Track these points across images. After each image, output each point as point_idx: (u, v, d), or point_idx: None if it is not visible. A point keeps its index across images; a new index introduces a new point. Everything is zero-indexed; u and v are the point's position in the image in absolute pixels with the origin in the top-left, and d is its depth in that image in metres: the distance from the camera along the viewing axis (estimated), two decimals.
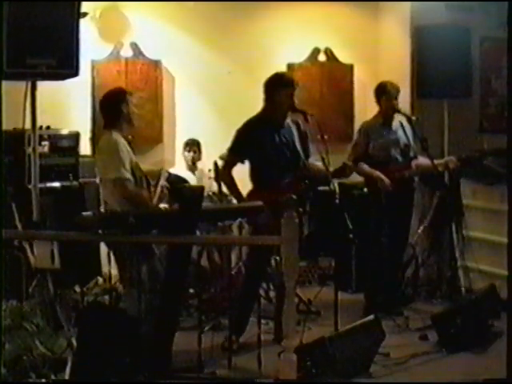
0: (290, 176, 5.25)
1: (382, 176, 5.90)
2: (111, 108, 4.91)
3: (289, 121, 5.37)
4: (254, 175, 5.32)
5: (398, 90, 6.04)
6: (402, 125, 6.10)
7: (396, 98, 6.02)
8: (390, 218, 5.94)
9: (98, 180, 5.33)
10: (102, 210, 5.00)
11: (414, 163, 6.09)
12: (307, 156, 5.39)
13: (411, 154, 6.10)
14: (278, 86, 5.27)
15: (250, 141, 5.25)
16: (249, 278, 5.41)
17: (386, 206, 5.89)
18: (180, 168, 6.91)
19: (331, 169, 5.06)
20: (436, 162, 5.99)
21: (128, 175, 4.71)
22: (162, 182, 5.09)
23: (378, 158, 6.00)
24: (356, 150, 6.05)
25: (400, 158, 6.06)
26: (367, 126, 6.12)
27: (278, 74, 5.51)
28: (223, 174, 5.44)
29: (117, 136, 4.82)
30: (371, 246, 5.97)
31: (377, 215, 5.97)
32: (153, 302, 4.56)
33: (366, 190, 6.21)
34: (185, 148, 6.92)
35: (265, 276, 5.52)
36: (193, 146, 6.89)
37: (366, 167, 5.96)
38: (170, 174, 5.56)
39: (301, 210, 5.06)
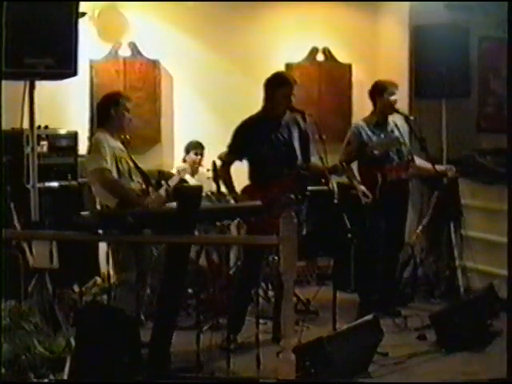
0: (285, 174, 5.25)
1: (366, 192, 5.81)
2: (100, 109, 5.19)
3: (288, 119, 5.37)
4: (251, 173, 5.34)
5: (395, 89, 6.02)
6: (396, 125, 6.07)
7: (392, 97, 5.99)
8: (385, 218, 5.92)
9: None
10: (98, 208, 5.06)
11: (412, 165, 6.05)
12: (308, 156, 5.38)
13: (405, 152, 6.02)
14: (276, 85, 5.28)
15: (248, 139, 5.26)
16: (244, 277, 5.42)
17: (381, 207, 5.87)
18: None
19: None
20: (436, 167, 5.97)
21: (106, 165, 4.87)
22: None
23: (374, 157, 5.96)
24: (346, 151, 5.94)
25: (396, 158, 6.00)
26: (358, 125, 6.04)
27: (276, 73, 5.52)
28: (222, 171, 5.48)
29: (101, 135, 5.00)
30: (367, 245, 5.96)
31: (372, 215, 5.95)
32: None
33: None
34: (188, 150, 6.74)
35: (259, 276, 5.50)
36: (198, 148, 6.72)
37: (353, 179, 5.87)
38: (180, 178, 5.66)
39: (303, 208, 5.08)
